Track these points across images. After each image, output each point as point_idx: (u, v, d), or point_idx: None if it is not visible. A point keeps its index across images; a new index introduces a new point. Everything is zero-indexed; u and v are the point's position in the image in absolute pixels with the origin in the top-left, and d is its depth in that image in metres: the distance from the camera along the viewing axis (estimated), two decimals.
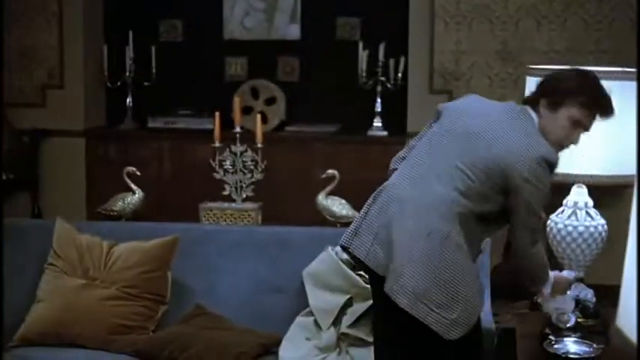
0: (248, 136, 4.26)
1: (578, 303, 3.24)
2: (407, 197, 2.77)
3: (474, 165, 2.73)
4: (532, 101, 2.87)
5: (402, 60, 5.43)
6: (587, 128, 2.84)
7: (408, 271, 2.67)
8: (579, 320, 3.19)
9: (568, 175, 3.40)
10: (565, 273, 3.13)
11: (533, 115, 2.83)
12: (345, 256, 3.53)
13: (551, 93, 2.82)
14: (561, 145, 2.84)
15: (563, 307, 3.06)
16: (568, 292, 3.10)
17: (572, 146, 2.85)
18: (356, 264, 3.06)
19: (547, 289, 2.99)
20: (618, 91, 3.30)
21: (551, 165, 2.75)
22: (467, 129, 2.82)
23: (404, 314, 2.69)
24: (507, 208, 2.76)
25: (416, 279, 2.66)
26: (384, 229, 2.76)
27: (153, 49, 5.68)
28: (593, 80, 2.87)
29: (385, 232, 2.76)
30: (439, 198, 2.72)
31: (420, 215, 2.72)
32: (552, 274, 3.00)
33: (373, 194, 2.90)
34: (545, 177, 2.73)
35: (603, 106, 2.83)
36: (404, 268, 2.68)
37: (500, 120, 2.81)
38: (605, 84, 3.26)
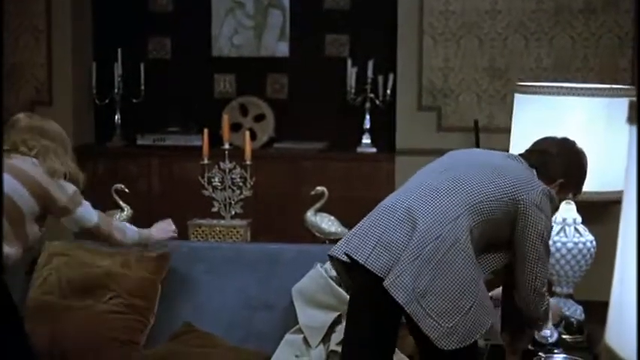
0: (237, 153, 4.26)
1: (562, 319, 3.25)
2: (415, 206, 2.73)
3: (486, 189, 2.74)
4: (525, 158, 2.98)
5: (391, 77, 5.45)
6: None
7: (412, 268, 2.62)
8: (564, 337, 3.19)
9: None
10: (553, 301, 3.14)
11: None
12: (334, 273, 3.53)
13: (540, 168, 2.94)
14: None
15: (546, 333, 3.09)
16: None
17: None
18: (340, 273, 2.96)
19: (547, 326, 3.01)
20: (605, 107, 3.32)
21: (553, 200, 2.83)
22: (476, 159, 2.92)
23: (396, 320, 2.68)
24: (516, 243, 2.77)
25: (418, 278, 2.61)
26: (391, 232, 2.71)
27: (142, 66, 5.69)
28: (576, 160, 3.03)
29: (391, 234, 2.70)
30: (451, 210, 2.69)
31: (429, 221, 2.68)
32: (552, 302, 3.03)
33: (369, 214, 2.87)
34: (549, 209, 2.81)
35: (580, 187, 3.07)
36: (408, 265, 2.63)
37: (504, 157, 2.95)
38: (593, 101, 3.28)
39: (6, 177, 3.12)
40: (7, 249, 3.12)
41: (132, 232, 3.54)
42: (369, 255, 2.71)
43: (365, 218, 2.84)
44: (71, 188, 3.35)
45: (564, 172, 2.95)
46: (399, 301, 2.60)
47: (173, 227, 3.68)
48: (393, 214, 2.75)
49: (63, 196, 3.30)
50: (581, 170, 3.02)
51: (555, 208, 2.91)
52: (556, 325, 3.16)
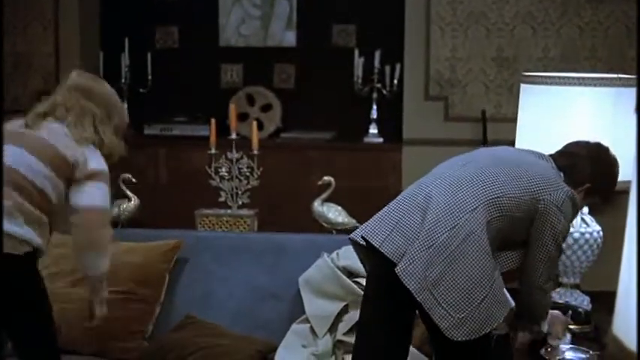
0: (244, 143, 4.26)
1: (569, 309, 3.25)
2: (434, 194, 2.73)
3: (508, 185, 2.71)
4: (554, 160, 2.93)
5: (398, 67, 5.44)
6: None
7: (425, 256, 2.61)
8: (571, 327, 3.19)
9: None
10: (558, 314, 3.11)
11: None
12: (341, 263, 3.53)
13: (568, 171, 2.89)
14: None
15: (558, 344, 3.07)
16: (567, 335, 3.10)
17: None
18: (360, 256, 2.93)
19: (544, 328, 2.99)
20: (613, 97, 3.31)
21: (575, 205, 2.79)
22: (503, 156, 2.88)
23: (411, 306, 2.68)
24: (529, 238, 2.75)
25: (430, 267, 2.60)
26: (408, 217, 2.70)
27: (149, 55, 5.69)
28: (605, 167, 2.96)
29: (408, 220, 2.70)
30: (469, 201, 2.68)
31: (443, 209, 2.67)
32: (552, 313, 3.00)
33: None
34: (570, 213, 2.77)
35: (607, 193, 2.99)
36: (422, 252, 2.62)
37: (535, 157, 2.90)
38: (600, 91, 3.27)
39: (22, 153, 2.90)
40: (38, 240, 2.90)
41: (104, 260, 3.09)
42: (385, 239, 2.70)
43: (388, 205, 2.83)
44: (97, 161, 3.01)
45: (592, 178, 2.89)
46: (410, 289, 2.60)
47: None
48: (413, 200, 2.75)
49: (82, 162, 2.96)
50: (610, 177, 2.95)
51: (576, 212, 2.87)
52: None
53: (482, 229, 2.64)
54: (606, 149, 2.97)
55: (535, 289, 2.80)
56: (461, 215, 2.65)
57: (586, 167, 2.90)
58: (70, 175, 2.97)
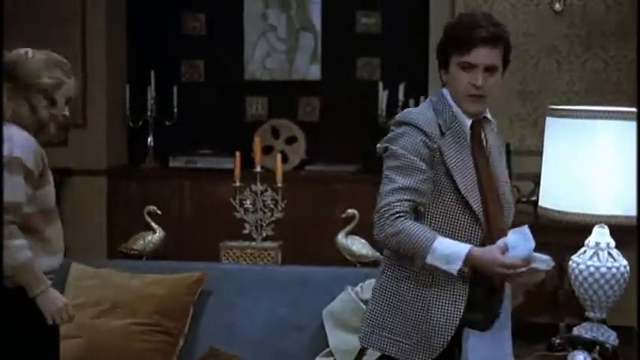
0: (268, 176, 4.28)
1: (596, 344, 3.20)
2: None
3: None
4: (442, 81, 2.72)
5: (422, 100, 5.45)
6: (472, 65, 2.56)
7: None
8: None
9: (589, 215, 3.38)
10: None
11: (443, 91, 2.66)
12: (365, 296, 3.52)
13: (438, 56, 2.68)
14: (468, 95, 2.58)
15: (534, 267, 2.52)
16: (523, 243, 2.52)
17: (480, 91, 2.59)
18: None
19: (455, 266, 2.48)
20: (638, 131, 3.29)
21: (405, 123, 2.56)
22: None
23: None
24: None
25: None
26: None
27: (174, 88, 5.74)
28: (456, 20, 2.66)
29: None
30: None
31: None
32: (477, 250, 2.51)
33: None
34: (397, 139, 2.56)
35: (466, 34, 2.54)
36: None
37: None
38: (624, 124, 3.25)
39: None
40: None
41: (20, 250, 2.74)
42: None
43: None
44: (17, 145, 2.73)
45: (446, 38, 2.68)
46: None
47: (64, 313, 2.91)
48: None
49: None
50: (458, 24, 2.66)
51: None
52: (589, 350, 3.11)
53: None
54: None
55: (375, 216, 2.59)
56: None
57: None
58: None
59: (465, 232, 2.55)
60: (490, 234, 2.55)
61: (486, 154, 2.63)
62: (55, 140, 2.84)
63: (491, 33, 2.54)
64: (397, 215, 2.50)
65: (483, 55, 2.55)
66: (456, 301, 2.53)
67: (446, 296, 2.54)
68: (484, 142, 2.64)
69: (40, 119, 2.92)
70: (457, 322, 2.53)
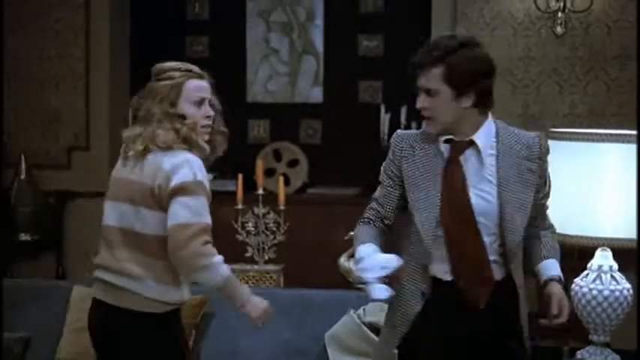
0: (270, 198, 4.28)
1: None
2: None
3: None
4: None
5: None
6: None
7: None
8: None
9: (592, 238, 3.38)
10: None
11: None
12: (368, 319, 3.51)
13: None
14: (420, 115, 2.69)
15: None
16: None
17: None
18: None
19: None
20: None
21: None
22: None
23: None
24: None
25: None
26: None
27: None
28: None
29: None
30: None
31: None
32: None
33: None
34: None
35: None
36: None
37: None
38: (626, 147, 3.25)
39: None
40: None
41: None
42: None
43: None
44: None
45: None
46: None
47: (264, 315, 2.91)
48: None
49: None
50: None
51: None
52: None
53: None
54: None
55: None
56: None
57: None
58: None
59: (434, 251, 2.58)
60: (460, 257, 2.55)
61: (461, 176, 2.59)
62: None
63: (423, 58, 2.65)
64: (360, 221, 2.77)
65: (421, 79, 2.66)
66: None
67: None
68: (462, 165, 2.60)
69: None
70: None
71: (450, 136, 2.61)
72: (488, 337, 2.58)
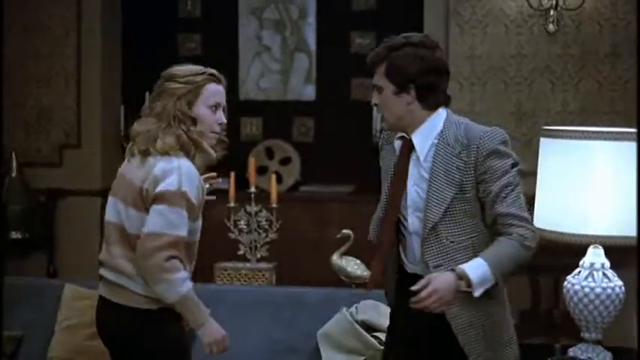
0: (263, 196, 4.27)
1: None
2: None
3: None
4: None
5: None
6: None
7: None
8: None
9: (584, 235, 3.38)
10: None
11: None
12: (360, 317, 3.51)
13: None
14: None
15: None
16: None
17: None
18: None
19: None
20: (633, 151, 3.30)
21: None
22: None
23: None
24: None
25: None
26: None
27: None
28: None
29: None
30: None
31: None
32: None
33: None
34: None
35: None
36: None
37: None
38: (618, 144, 3.25)
39: None
40: None
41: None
42: None
43: None
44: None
45: None
46: None
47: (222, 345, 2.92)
48: None
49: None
50: None
51: None
52: None
53: None
54: None
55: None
56: None
57: None
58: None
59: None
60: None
61: (403, 170, 2.67)
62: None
63: (370, 56, 2.79)
64: None
65: (374, 77, 2.78)
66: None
67: None
68: (409, 160, 2.66)
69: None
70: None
71: (403, 134, 2.68)
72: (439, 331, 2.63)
